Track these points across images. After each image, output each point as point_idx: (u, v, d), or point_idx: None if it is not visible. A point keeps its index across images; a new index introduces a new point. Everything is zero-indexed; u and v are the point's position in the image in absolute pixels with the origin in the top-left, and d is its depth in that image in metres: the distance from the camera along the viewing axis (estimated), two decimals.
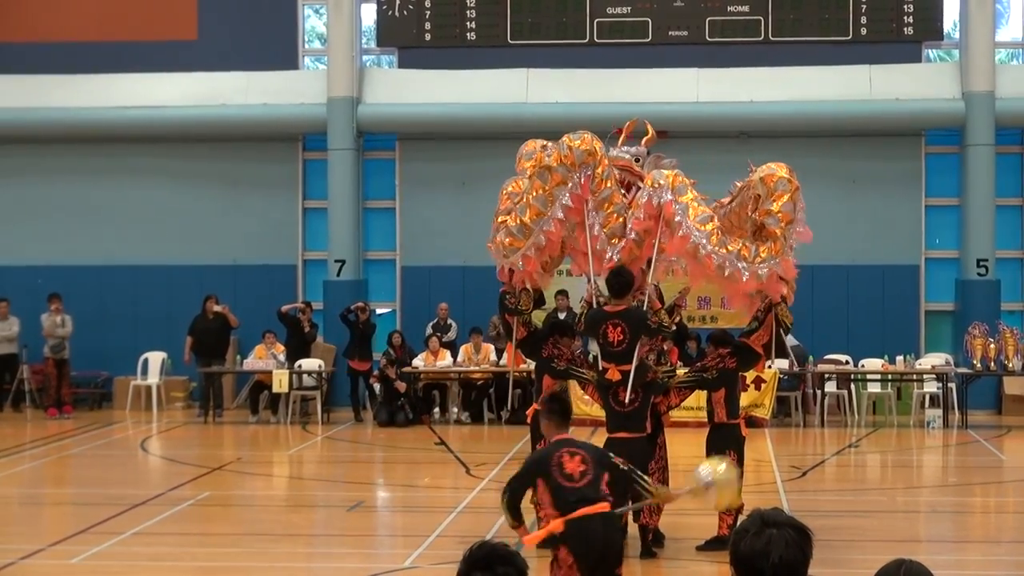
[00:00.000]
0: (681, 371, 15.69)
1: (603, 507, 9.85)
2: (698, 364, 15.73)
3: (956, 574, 13.84)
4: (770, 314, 14.96)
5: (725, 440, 14.91)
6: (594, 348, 16.38)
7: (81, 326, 27.78)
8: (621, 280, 14.47)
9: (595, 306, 14.83)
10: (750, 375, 25.16)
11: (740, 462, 14.64)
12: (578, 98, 27.69)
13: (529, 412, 15.44)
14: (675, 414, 22.66)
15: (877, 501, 18.56)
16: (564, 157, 14.69)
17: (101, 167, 29.70)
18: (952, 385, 26.05)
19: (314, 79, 29.35)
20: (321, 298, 28.71)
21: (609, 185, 14.78)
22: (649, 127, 15.91)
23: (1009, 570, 13.04)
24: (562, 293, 25.95)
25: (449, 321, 27.70)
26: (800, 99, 28.10)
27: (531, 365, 16.30)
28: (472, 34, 28.57)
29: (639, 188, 15.04)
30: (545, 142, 15.44)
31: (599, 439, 14.67)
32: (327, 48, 29.37)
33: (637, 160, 15.42)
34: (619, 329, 14.38)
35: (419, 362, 26.59)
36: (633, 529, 14.54)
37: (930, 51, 29.45)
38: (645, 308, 14.56)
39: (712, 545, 14.51)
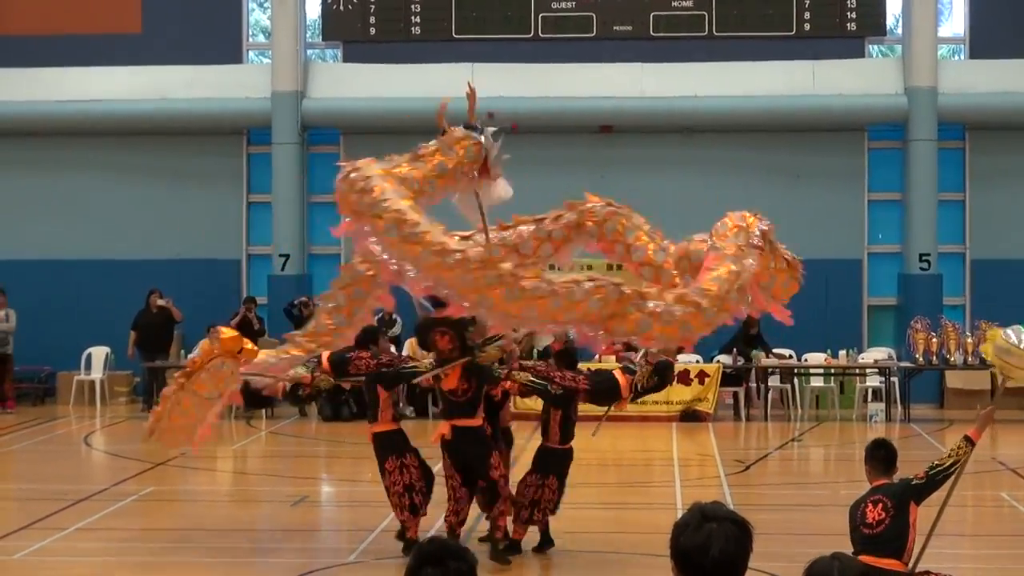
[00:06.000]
0: (524, 374, 14.41)
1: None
2: (545, 372, 14.42)
3: None
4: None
5: (555, 464, 14.32)
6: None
7: (24, 321, 27.57)
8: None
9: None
10: (694, 369, 25.34)
11: (561, 489, 14.26)
12: (523, 92, 27.65)
13: (370, 431, 14.79)
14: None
15: (820, 495, 18.66)
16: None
17: (45, 161, 29.52)
18: (895, 379, 26.23)
19: (258, 73, 29.29)
20: (265, 293, 28.62)
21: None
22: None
23: (948, 562, 13.12)
24: None
25: (394, 316, 27.61)
26: (744, 94, 28.19)
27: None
28: (417, 28, 28.59)
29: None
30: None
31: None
32: (271, 42, 29.30)
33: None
34: (447, 338, 14.18)
35: None
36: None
37: (872, 47, 29.61)
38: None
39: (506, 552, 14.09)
